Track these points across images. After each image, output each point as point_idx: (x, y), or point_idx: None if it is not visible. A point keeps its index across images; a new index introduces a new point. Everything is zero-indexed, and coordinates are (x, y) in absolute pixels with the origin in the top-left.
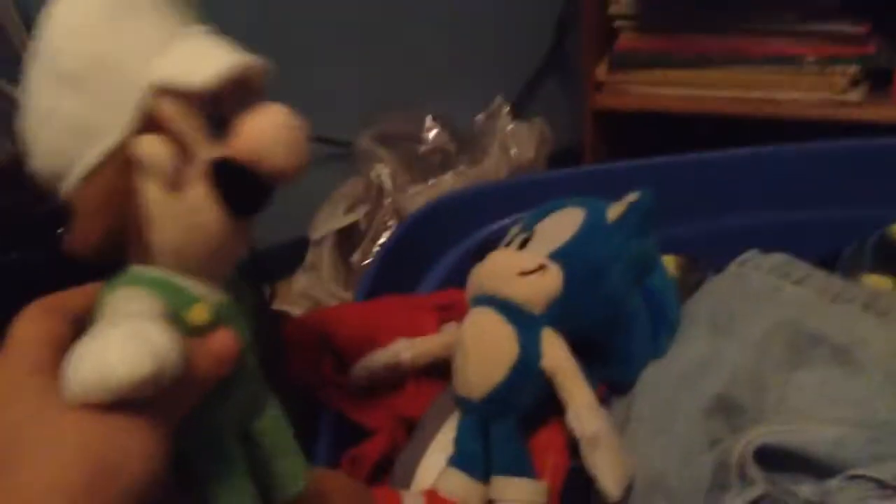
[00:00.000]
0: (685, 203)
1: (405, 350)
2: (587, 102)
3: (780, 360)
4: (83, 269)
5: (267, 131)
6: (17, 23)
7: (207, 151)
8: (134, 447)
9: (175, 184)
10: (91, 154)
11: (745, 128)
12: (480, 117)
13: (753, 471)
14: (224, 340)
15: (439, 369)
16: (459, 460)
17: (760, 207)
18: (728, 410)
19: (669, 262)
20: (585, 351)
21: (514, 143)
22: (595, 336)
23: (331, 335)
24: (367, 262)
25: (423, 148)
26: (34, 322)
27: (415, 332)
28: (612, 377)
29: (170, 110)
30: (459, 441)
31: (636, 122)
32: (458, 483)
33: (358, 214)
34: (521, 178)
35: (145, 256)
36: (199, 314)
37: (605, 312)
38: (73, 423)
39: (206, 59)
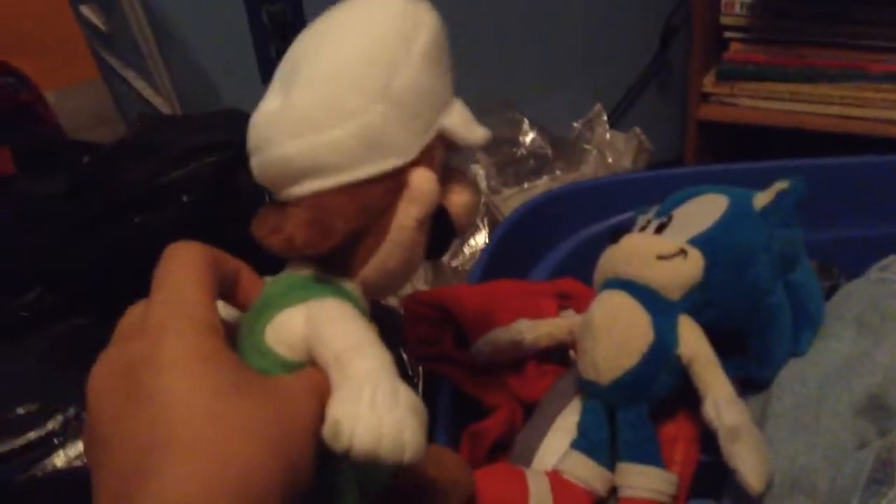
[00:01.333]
0: (814, 209)
1: (528, 330)
2: (691, 112)
3: None
4: (207, 229)
5: (472, 201)
6: (139, 14)
7: None
8: (311, 456)
9: (425, 219)
10: (377, 166)
11: (855, 148)
12: (578, 124)
13: None
14: None
15: (559, 354)
16: (584, 444)
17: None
18: (878, 411)
19: None
20: (720, 346)
21: (611, 151)
22: (733, 329)
23: (451, 310)
24: (456, 263)
25: (519, 152)
26: (196, 269)
27: (535, 314)
28: (748, 374)
29: (440, 155)
30: (584, 425)
31: (740, 135)
32: (583, 466)
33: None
34: (627, 177)
35: (351, 271)
36: None
37: (746, 304)
38: (269, 418)
39: (474, 121)
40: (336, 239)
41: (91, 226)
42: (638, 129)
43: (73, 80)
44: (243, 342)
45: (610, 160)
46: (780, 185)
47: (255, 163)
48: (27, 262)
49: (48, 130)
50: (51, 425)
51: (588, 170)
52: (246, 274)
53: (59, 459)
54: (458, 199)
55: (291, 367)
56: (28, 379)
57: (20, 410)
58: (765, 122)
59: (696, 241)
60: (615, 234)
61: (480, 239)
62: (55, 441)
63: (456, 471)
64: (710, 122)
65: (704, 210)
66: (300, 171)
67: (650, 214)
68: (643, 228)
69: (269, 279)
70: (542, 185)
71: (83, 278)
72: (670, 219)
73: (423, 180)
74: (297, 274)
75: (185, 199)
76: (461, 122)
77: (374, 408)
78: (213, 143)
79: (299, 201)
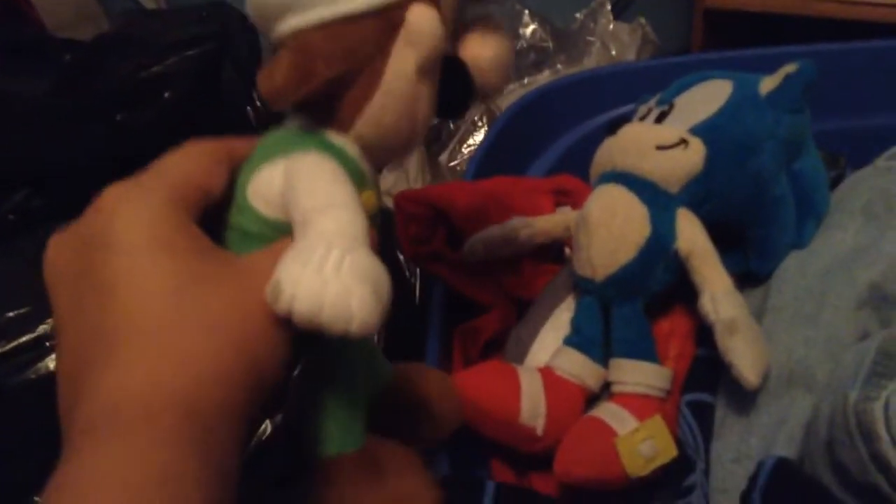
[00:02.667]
0: (820, 97)
1: (522, 227)
2: (697, 1)
3: None
4: (187, 131)
5: (496, 55)
6: None
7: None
8: (279, 350)
9: (427, 67)
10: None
11: (865, 35)
12: (581, 15)
13: None
14: (375, 243)
15: (554, 253)
16: (577, 340)
17: None
18: (881, 302)
19: None
20: (720, 240)
21: (614, 43)
22: (734, 222)
23: (444, 208)
24: (454, 162)
25: (519, 44)
26: (191, 160)
27: (531, 212)
28: (748, 268)
29: None
30: (578, 321)
31: (749, 25)
32: (576, 362)
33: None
34: (629, 66)
35: (343, 124)
36: (370, 203)
37: (749, 195)
38: (228, 309)
39: None
40: (315, 83)
41: (74, 125)
42: (643, 20)
43: None
44: (232, 202)
45: (613, 53)
46: (788, 68)
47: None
48: (11, 164)
49: (30, 28)
50: (42, 328)
51: (591, 63)
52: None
53: (52, 361)
54: (480, 52)
55: (269, 224)
56: (18, 282)
57: (11, 314)
58: (773, 9)
59: (698, 130)
60: (613, 125)
61: (479, 138)
62: (47, 344)
63: (443, 389)
64: (717, 9)
65: (708, 97)
66: (280, 4)
67: (651, 103)
68: (643, 118)
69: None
70: (543, 79)
71: (68, 179)
72: (672, 107)
73: (422, 18)
74: (287, 128)
75: (166, 95)
76: None
77: (319, 271)
78: (195, 36)
79: (283, 42)
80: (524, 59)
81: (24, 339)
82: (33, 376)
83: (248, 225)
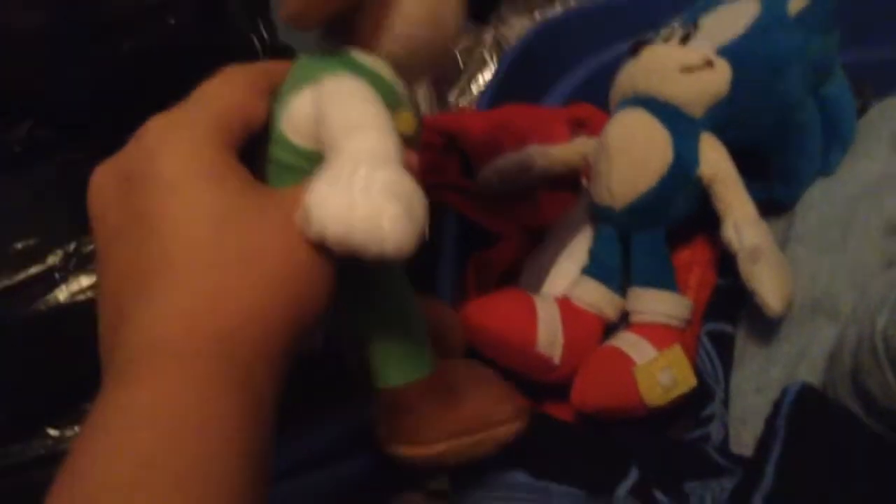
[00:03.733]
0: (850, 25)
1: (538, 156)
2: None
3: None
4: (191, 58)
5: None
6: None
7: None
8: (321, 284)
9: None
10: None
11: None
12: None
13: None
14: (414, 164)
15: (571, 183)
16: (595, 270)
17: None
18: None
19: None
20: (744, 167)
21: None
22: (759, 148)
23: (457, 137)
24: (464, 101)
25: None
26: (233, 90)
27: (547, 140)
28: (773, 196)
29: None
30: (596, 251)
31: None
32: (594, 291)
33: (455, 48)
34: None
35: (371, 41)
36: (407, 124)
37: (775, 120)
38: (267, 243)
39: None
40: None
41: (77, 54)
42: None
43: None
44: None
45: None
46: None
47: None
48: (14, 96)
49: None
50: (51, 260)
51: None
52: None
53: (62, 293)
54: None
55: (304, 155)
56: (25, 214)
57: (18, 245)
58: None
59: (724, 51)
60: (635, 46)
61: (489, 75)
62: (56, 276)
63: (447, 318)
64: None
65: (734, 16)
66: None
67: (675, 24)
68: (667, 40)
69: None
70: (555, 13)
71: (73, 110)
72: (696, 27)
73: None
74: (313, 53)
75: (171, 21)
76: None
77: (347, 191)
78: None
79: None
80: None
81: (32, 270)
82: (43, 308)
83: (285, 157)
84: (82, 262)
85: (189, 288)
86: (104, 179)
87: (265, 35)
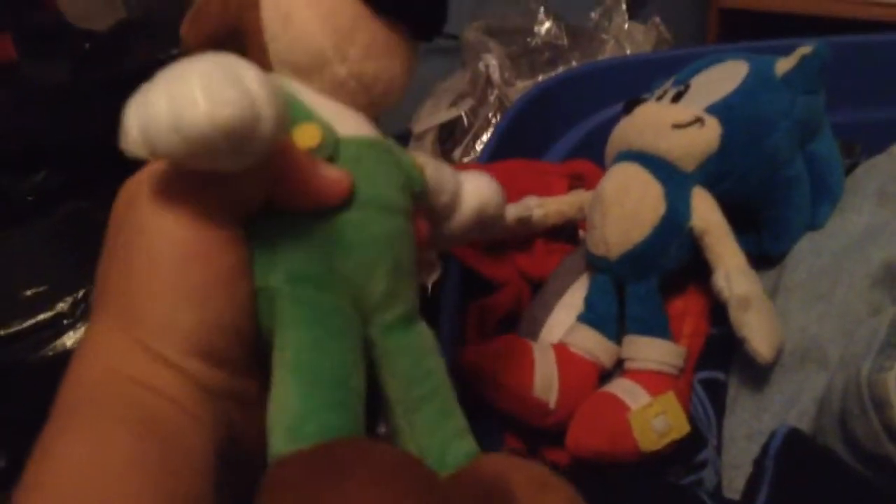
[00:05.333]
0: (835, 89)
1: (537, 206)
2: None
3: None
4: None
5: None
6: None
7: None
8: (220, 234)
9: None
10: None
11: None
12: (595, 13)
13: None
14: (332, 174)
15: (568, 234)
16: (591, 317)
17: None
18: (895, 280)
19: None
20: (735, 221)
21: (629, 42)
22: (749, 202)
23: None
24: (468, 158)
25: (533, 42)
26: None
27: (545, 193)
28: (762, 250)
29: None
30: (591, 299)
31: (764, 25)
32: (589, 338)
33: (461, 109)
34: (648, 56)
35: (262, 62)
36: (310, 136)
37: (764, 175)
38: (157, 229)
39: None
40: (212, 26)
41: (94, 107)
42: (657, 19)
43: None
44: None
45: (628, 51)
46: (804, 49)
47: None
48: (31, 146)
49: (50, 15)
50: (60, 306)
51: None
52: None
53: (70, 339)
54: None
55: None
56: (36, 261)
57: (28, 292)
58: (788, 9)
59: (714, 109)
60: (629, 105)
61: None
62: (64, 322)
63: None
64: (732, 8)
65: (724, 77)
66: None
67: (667, 84)
68: (660, 98)
69: None
70: None
71: (88, 159)
72: (687, 87)
73: None
74: None
75: None
76: None
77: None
78: None
79: None
80: (539, 57)
81: (41, 316)
82: (51, 353)
83: None
84: (90, 309)
85: (116, 324)
86: (119, 196)
87: None
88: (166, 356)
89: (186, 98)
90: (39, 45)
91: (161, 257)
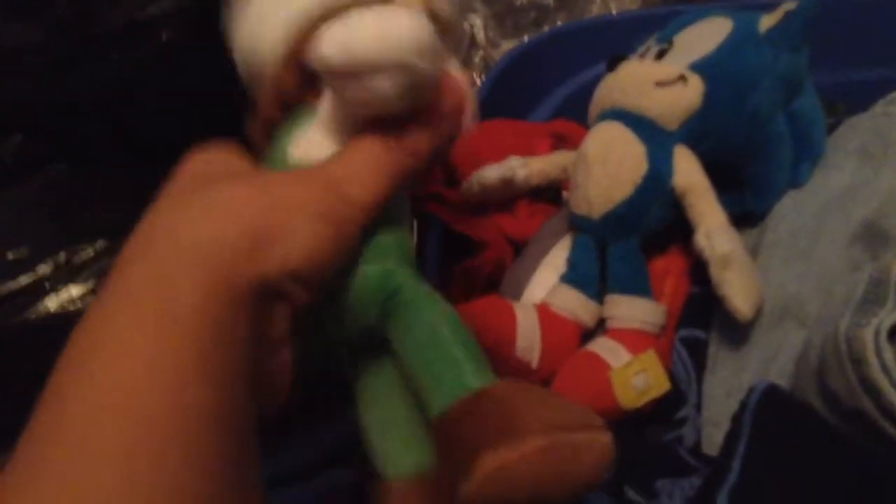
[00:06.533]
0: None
1: (519, 167)
2: None
3: None
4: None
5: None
6: None
7: None
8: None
9: None
10: None
11: None
12: None
13: None
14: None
15: (550, 195)
16: (573, 277)
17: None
18: (875, 238)
19: None
20: (717, 180)
21: (615, 1)
22: (731, 160)
23: None
24: None
25: (518, 1)
26: (203, 153)
27: (528, 153)
28: (745, 208)
29: None
30: (574, 259)
31: None
32: (571, 298)
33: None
34: (632, 13)
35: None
36: None
37: (747, 133)
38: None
39: None
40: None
41: (68, 69)
42: None
43: None
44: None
45: (613, 9)
46: (788, 5)
47: None
48: (7, 110)
49: None
50: (42, 270)
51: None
52: None
53: (52, 303)
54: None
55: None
56: (16, 225)
57: (9, 256)
58: None
59: (697, 67)
60: (612, 62)
61: None
62: (46, 285)
63: None
64: None
65: (707, 34)
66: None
67: (651, 41)
68: (643, 56)
69: None
70: None
71: (63, 123)
72: (671, 44)
73: None
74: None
75: (164, 37)
76: None
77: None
78: None
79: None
80: (524, 17)
81: (23, 280)
82: (33, 317)
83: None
84: (72, 273)
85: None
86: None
87: None
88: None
89: (391, 25)
90: (11, 7)
91: None
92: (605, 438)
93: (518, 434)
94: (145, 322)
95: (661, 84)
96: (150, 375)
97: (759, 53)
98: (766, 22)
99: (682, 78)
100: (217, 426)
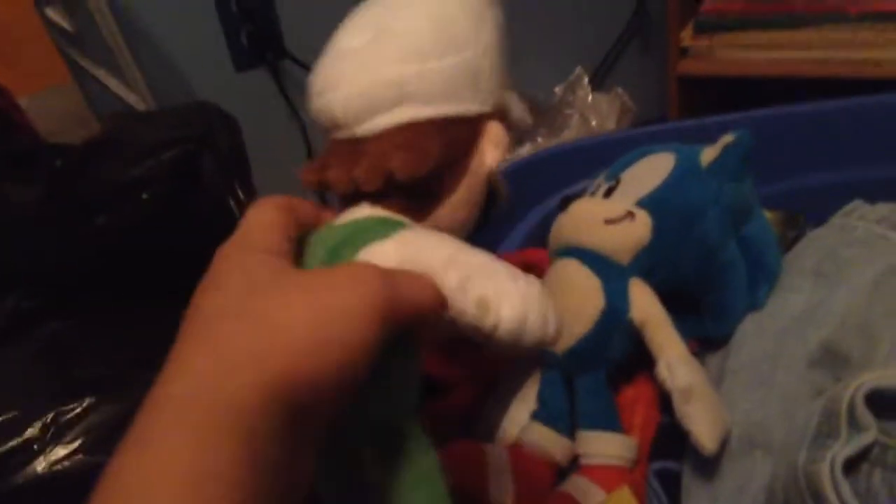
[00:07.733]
0: (782, 158)
1: None
2: (671, 69)
3: (893, 308)
4: (167, 226)
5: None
6: (103, 10)
7: None
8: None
9: (492, 168)
10: (467, 105)
11: (839, 90)
12: (559, 88)
13: (865, 417)
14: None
15: None
16: (543, 414)
17: (863, 162)
18: (833, 360)
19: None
20: (676, 305)
21: (594, 113)
22: (687, 289)
23: None
24: None
25: None
26: (266, 212)
27: None
28: (706, 333)
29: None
30: (543, 395)
31: (724, 89)
32: (543, 436)
33: None
34: (607, 137)
35: (422, 214)
36: None
37: (698, 263)
38: (304, 298)
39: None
40: (431, 162)
41: (61, 229)
42: (620, 90)
43: (46, 85)
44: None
45: (593, 123)
46: (727, 138)
47: (329, 100)
48: (3, 269)
49: (24, 136)
50: (29, 432)
51: (571, 134)
52: (325, 213)
53: (40, 465)
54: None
55: None
56: (7, 387)
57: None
58: (744, 73)
59: (644, 203)
60: (564, 202)
61: None
62: (35, 447)
63: None
64: (691, 77)
65: (651, 170)
66: (397, 97)
67: (601, 179)
68: (593, 194)
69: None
70: (525, 152)
71: (57, 282)
72: (618, 182)
73: (500, 129)
74: (373, 214)
75: (144, 196)
76: (515, 99)
77: (516, 283)
78: (176, 138)
79: (385, 133)
80: None
81: (12, 443)
82: (21, 480)
83: None
84: (60, 433)
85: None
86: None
87: (241, 196)
88: None
89: (543, 321)
90: (13, 167)
91: None
92: None
93: None
94: None
95: (609, 221)
96: None
97: (703, 186)
98: (707, 156)
99: (630, 214)
100: None
